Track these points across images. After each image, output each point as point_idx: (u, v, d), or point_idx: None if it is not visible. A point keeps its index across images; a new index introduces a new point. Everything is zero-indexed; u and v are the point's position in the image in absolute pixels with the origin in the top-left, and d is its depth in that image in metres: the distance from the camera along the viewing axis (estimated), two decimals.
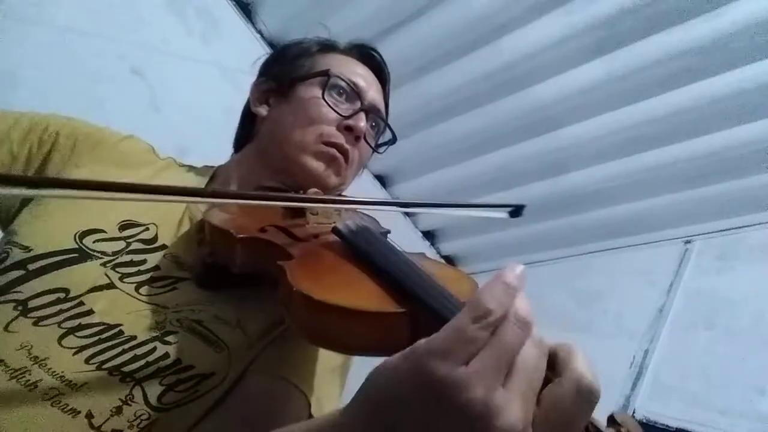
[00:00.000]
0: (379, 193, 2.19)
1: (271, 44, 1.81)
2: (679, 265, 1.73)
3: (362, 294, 0.41)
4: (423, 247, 2.32)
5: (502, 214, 0.60)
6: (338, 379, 0.66)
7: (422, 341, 0.31)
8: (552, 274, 2.01)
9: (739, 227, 1.67)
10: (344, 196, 0.69)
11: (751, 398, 1.33)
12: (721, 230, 1.71)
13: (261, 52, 1.76)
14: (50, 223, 0.60)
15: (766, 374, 1.34)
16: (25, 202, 0.65)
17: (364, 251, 0.48)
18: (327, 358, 0.63)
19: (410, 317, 0.38)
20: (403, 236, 1.77)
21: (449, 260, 2.38)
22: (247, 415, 0.56)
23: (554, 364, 0.32)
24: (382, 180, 2.22)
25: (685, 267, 1.71)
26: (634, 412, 1.48)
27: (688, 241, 1.77)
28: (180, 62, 1.56)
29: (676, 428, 1.39)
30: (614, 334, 1.70)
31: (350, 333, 0.39)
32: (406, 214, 2.31)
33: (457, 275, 0.51)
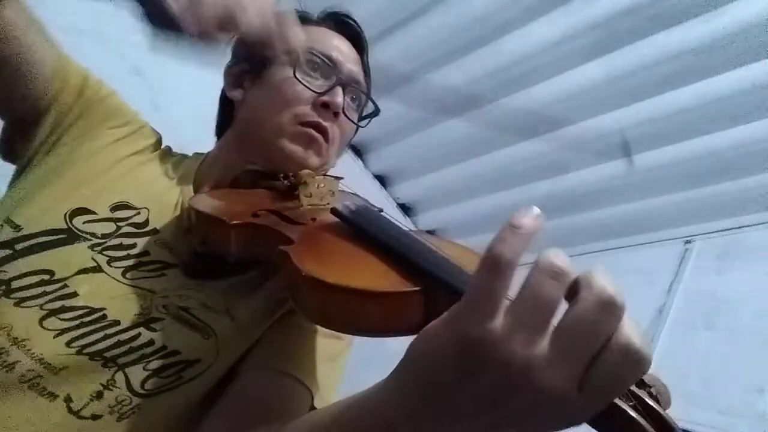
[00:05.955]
0: (378, 192, 2.19)
1: None
2: (679, 265, 1.73)
3: (373, 274, 0.40)
4: None
5: None
6: (337, 368, 0.65)
7: (456, 305, 0.30)
8: None
9: (739, 227, 1.67)
10: (328, 176, 0.66)
11: (751, 398, 1.33)
12: (721, 230, 1.71)
13: None
14: (42, 201, 0.58)
15: (766, 374, 1.34)
16: (31, 160, 0.64)
17: (368, 230, 0.46)
18: (325, 347, 0.63)
19: (424, 295, 0.37)
20: None
21: None
22: (251, 413, 0.55)
23: (575, 291, 0.30)
24: (382, 180, 2.22)
25: (685, 267, 1.71)
26: None
27: (688, 241, 1.77)
28: (180, 62, 1.56)
29: None
30: None
31: (364, 315, 0.37)
32: (406, 213, 2.31)
33: (465, 250, 0.48)
